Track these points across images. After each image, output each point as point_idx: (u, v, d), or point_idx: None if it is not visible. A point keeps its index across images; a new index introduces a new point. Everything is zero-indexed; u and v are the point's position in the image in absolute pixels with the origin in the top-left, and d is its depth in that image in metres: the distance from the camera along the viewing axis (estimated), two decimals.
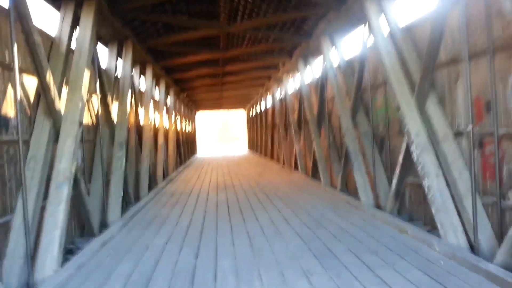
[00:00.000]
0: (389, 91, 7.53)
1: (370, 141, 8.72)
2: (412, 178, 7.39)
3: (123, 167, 8.56)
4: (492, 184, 5.41)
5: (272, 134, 22.16)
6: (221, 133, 53.07)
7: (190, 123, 30.83)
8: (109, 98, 8.71)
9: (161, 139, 15.04)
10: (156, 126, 15.12)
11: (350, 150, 8.83)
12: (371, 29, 7.09)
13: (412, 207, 7.58)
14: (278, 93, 19.31)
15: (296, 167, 15.63)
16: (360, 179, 8.45)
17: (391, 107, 8.04)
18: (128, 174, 10.81)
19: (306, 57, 13.01)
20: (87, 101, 8.13)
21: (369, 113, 8.98)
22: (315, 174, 13.02)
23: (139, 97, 12.79)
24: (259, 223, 7.15)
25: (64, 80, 6.40)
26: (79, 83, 6.45)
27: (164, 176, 14.99)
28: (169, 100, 18.95)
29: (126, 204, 10.02)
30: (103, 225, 7.61)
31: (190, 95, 26.02)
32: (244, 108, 37.52)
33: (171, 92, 19.10)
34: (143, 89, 13.31)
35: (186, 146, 25.37)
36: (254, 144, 32.36)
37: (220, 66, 16.85)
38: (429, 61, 5.85)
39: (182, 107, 24.87)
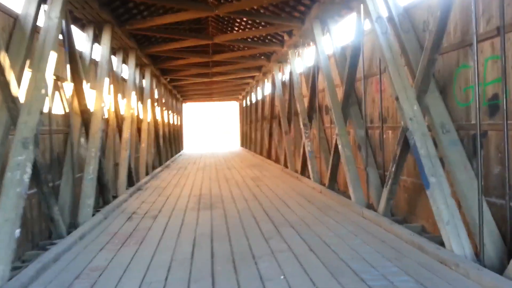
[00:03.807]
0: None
1: (455, 140, 5.12)
2: None
3: (24, 183, 4.84)
4: None
5: (271, 128, 18.42)
6: (212, 127, 49.23)
7: (176, 115, 27.00)
8: (3, 58, 4.96)
9: (126, 132, 11.28)
10: (122, 115, 11.39)
11: (421, 154, 5.18)
12: None
13: None
14: (281, 76, 15.61)
15: (304, 171, 11.98)
16: (443, 209, 4.79)
17: None
18: (64, 188, 7.15)
19: (325, 19, 9.33)
20: None
21: (448, 93, 5.38)
22: (333, 183, 9.40)
23: (92, 71, 9.07)
24: None
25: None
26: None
27: (131, 183, 11.26)
28: (144, 83, 15.17)
29: (51, 237, 6.36)
30: None
31: (174, 82, 22.21)
32: (237, 99, 33.72)
33: (147, 73, 15.30)
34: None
35: (168, 141, 21.57)
36: (247, 140, 28.58)
37: (210, 38, 13.20)
38: None
39: (165, 94, 21.06)
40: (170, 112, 23.13)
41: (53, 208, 6.17)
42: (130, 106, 11.76)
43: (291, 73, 13.24)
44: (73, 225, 6.89)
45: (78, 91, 7.84)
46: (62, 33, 6.91)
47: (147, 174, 13.82)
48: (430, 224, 5.91)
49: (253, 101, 24.61)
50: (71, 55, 7.35)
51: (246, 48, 15.57)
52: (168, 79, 20.67)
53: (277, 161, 16.70)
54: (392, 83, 5.86)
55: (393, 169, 6.20)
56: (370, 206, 7.28)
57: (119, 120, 11.17)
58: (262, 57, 17.04)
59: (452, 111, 5.36)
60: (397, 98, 5.70)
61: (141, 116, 14.13)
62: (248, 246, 5.32)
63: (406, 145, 5.77)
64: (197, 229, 6.39)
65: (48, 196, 6.04)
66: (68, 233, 6.36)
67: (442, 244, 4.85)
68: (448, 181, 5.06)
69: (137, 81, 13.88)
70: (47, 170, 6.56)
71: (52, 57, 5.87)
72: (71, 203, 7.15)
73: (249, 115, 27.06)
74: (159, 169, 15.93)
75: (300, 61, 12.71)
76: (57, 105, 7.46)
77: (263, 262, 4.65)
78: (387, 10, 6.38)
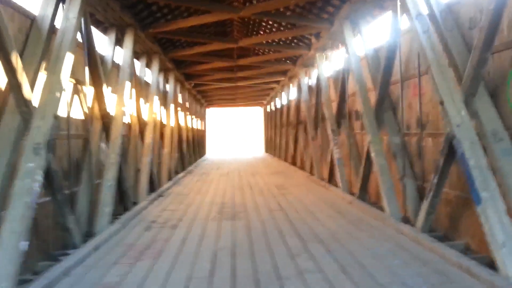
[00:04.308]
0: None
1: (509, 149, 4.52)
2: None
3: (34, 192, 4.52)
4: None
5: (296, 134, 17.91)
6: (235, 133, 49.02)
7: (199, 120, 26.82)
8: (15, 60, 4.68)
9: (149, 137, 11.00)
10: (144, 120, 11.12)
11: (471, 165, 4.61)
12: None
13: None
14: (307, 81, 15.12)
15: (331, 179, 11.42)
16: (498, 228, 4.22)
17: None
18: (81, 195, 6.87)
19: (356, 20, 8.81)
20: None
21: (500, 97, 4.80)
22: (364, 194, 8.82)
23: (114, 75, 8.81)
24: None
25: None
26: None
27: (152, 189, 10.95)
28: (168, 87, 14.94)
29: (69, 246, 6.04)
30: None
31: (198, 87, 21.99)
32: (262, 105, 33.31)
33: (171, 78, 15.07)
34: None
35: (191, 146, 21.33)
36: (272, 146, 28.11)
37: (235, 42, 12.88)
38: None
39: (188, 99, 20.86)
40: (193, 117, 22.93)
41: (67, 217, 5.86)
42: (152, 111, 11.50)
43: (318, 77, 12.73)
44: (90, 234, 6.58)
45: (99, 95, 7.57)
46: (81, 35, 6.66)
47: (169, 179, 13.54)
48: (475, 242, 5.30)
49: (278, 106, 24.16)
50: (91, 58, 7.08)
51: (271, 52, 15.17)
52: (193, 84, 20.46)
53: (302, 167, 16.16)
54: (436, 86, 5.29)
55: (435, 181, 5.61)
56: (405, 219, 6.68)
57: (142, 125, 10.92)
58: (288, 61, 16.59)
59: (505, 117, 4.77)
60: (441, 102, 5.13)
61: (164, 121, 13.89)
62: (273, 264, 4.84)
63: (451, 155, 5.20)
64: (218, 242, 5.95)
65: (63, 204, 5.74)
66: (85, 241, 6.05)
67: (492, 267, 4.26)
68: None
69: (161, 85, 13.67)
70: (64, 176, 6.29)
71: (69, 59, 5.58)
72: (89, 211, 6.85)
73: (273, 121, 26.61)
74: (181, 174, 15.64)
75: (328, 64, 12.20)
76: (76, 109, 7.20)
77: (290, 285, 4.16)
78: (427, 7, 5.85)
